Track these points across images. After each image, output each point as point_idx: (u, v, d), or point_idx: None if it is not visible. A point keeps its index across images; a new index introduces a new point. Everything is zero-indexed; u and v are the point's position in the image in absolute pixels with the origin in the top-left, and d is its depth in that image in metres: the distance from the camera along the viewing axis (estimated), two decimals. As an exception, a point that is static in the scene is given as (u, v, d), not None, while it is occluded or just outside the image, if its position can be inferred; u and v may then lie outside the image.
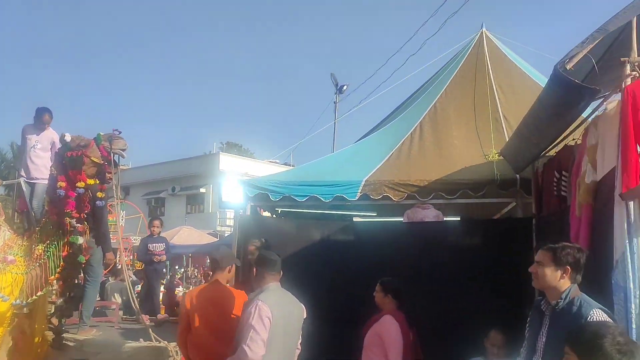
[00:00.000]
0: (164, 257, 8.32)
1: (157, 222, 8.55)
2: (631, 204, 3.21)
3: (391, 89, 14.33)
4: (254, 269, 3.97)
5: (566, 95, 3.53)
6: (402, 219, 7.04)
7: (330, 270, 6.50)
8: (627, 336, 1.99)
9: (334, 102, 20.97)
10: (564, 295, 2.92)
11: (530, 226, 6.13)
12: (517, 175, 6.40)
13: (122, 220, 20.71)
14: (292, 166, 18.52)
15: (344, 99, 21.11)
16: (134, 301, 5.35)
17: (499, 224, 6.86)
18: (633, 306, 3.07)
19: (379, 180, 6.80)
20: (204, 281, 17.33)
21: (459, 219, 7.75)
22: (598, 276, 3.50)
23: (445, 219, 7.04)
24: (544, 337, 2.94)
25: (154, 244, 8.20)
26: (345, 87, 20.95)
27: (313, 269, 6.40)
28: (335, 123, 19.25)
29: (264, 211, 8.02)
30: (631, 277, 3.14)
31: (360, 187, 6.76)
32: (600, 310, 2.81)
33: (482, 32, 8.93)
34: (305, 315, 4.05)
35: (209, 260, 4.69)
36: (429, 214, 6.77)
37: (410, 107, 8.64)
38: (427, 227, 6.66)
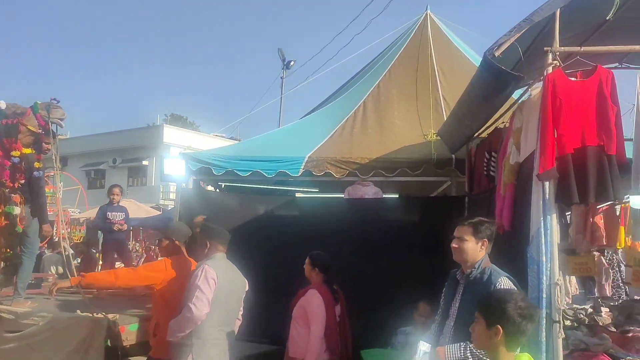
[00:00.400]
0: (124, 226, 7.99)
1: (116, 190, 8.12)
2: (547, 184, 3.48)
3: (337, 66, 14.45)
4: (202, 241, 4.07)
5: (494, 80, 3.74)
6: (343, 196, 7.22)
7: (272, 245, 6.63)
8: (529, 301, 2.23)
9: (281, 78, 20.92)
10: (477, 265, 3.18)
11: (464, 204, 6.46)
12: (453, 155, 6.71)
13: (59, 192, 20.14)
14: (239, 141, 18.42)
15: (292, 75, 21.09)
16: (71, 274, 5.28)
17: (434, 201, 7.17)
18: (544, 278, 3.36)
19: (322, 157, 6.95)
20: (145, 255, 17.15)
21: (397, 196, 8.01)
22: (518, 250, 3.78)
23: (384, 196, 7.26)
24: (458, 303, 3.20)
25: (114, 213, 7.87)
26: (292, 63, 20.94)
27: (256, 243, 6.51)
28: (282, 98, 19.25)
29: (210, 186, 8.03)
30: (544, 251, 3.42)
31: (303, 164, 6.89)
32: (506, 279, 3.10)
33: (426, 14, 9.15)
34: (247, 289, 4.19)
35: (164, 233, 4.70)
36: (369, 191, 6.98)
37: (355, 86, 8.81)
38: (367, 204, 6.88)
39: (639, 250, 10.08)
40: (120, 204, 8.29)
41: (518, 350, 2.22)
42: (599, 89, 3.51)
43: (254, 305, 6.02)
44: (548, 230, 3.45)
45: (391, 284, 6.24)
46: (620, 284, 9.27)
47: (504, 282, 3.05)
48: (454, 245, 3.26)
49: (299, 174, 6.89)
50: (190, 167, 6.86)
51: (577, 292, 7.80)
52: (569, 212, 7.38)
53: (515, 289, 2.99)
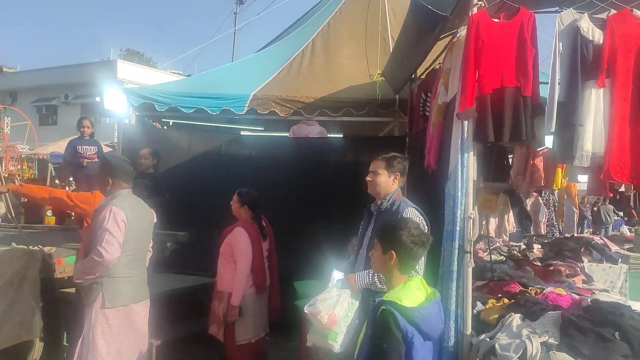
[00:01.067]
0: (95, 160, 7.21)
1: (87, 122, 7.41)
2: (466, 123, 3.61)
3: (290, 2, 14.15)
4: (103, 178, 3.90)
5: (422, 20, 3.80)
6: (288, 135, 7.27)
7: (216, 182, 6.68)
8: (422, 230, 2.39)
9: (235, 13, 20.38)
10: (388, 197, 3.34)
11: (405, 143, 6.61)
12: (397, 96, 6.80)
13: (7, 127, 19.50)
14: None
15: (245, 10, 20.54)
16: (10, 210, 5.24)
17: (376, 141, 7.29)
18: (459, 212, 3.54)
19: (267, 95, 6.95)
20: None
21: (341, 136, 8.12)
22: (441, 186, 3.95)
23: (329, 136, 7.35)
24: (370, 232, 3.37)
25: (85, 146, 7.24)
26: (245, -2, 20.38)
27: (200, 180, 6.57)
28: (234, 34, 18.80)
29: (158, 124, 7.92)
30: (459, 187, 3.59)
31: (248, 102, 6.89)
32: (413, 209, 3.28)
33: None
34: (155, 220, 4.16)
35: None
36: (314, 130, 7.05)
37: (305, 23, 8.69)
38: (311, 143, 6.96)
39: (573, 191, 10.63)
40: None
41: (413, 274, 2.40)
42: (520, 31, 3.60)
43: (197, 240, 6.20)
44: (465, 167, 3.60)
45: (332, 221, 6.43)
46: (555, 223, 9.78)
47: (411, 212, 3.23)
48: (368, 178, 3.41)
49: (244, 111, 6.90)
50: (132, 102, 6.77)
51: (515, 231, 8.17)
52: (512, 155, 7.68)
53: (422, 218, 3.18)
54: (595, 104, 3.58)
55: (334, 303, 3.11)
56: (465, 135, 3.62)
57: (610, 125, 3.60)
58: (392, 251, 2.30)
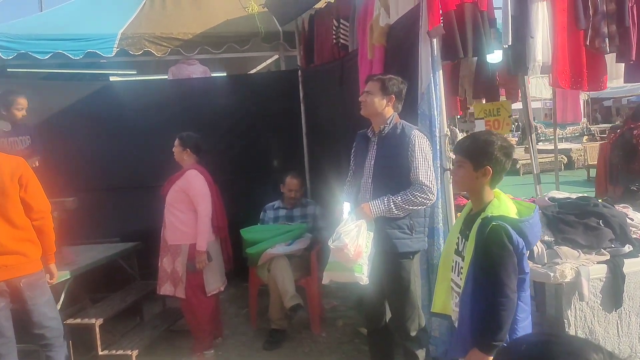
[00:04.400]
0: None
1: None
2: (434, 41, 3.57)
3: None
4: None
5: None
6: (166, 77, 6.54)
7: (93, 138, 5.80)
8: (508, 141, 2.33)
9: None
10: (388, 121, 3.20)
11: (297, 77, 6.40)
12: (280, 29, 6.49)
13: None
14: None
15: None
16: None
17: (267, 77, 6.94)
18: (437, 130, 3.54)
19: (138, 33, 6.11)
20: None
21: (224, 74, 7.58)
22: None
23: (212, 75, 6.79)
24: (372, 160, 3.22)
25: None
26: None
27: (65, 137, 5.59)
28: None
29: None
30: (434, 106, 3.59)
31: (117, 42, 5.99)
32: (418, 131, 3.21)
33: None
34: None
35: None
36: (196, 70, 6.45)
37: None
38: (196, 84, 6.36)
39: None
40: None
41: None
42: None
43: (96, 206, 5.39)
44: (437, 86, 3.59)
45: (234, 164, 6.06)
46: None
47: (418, 134, 3.15)
48: (362, 99, 3.20)
49: (113, 53, 5.99)
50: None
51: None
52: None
53: (426, 138, 3.14)
54: (542, 16, 3.80)
55: (356, 234, 2.94)
56: (435, 53, 3.59)
57: (554, 36, 3.87)
58: (488, 166, 2.20)
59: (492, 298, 2.11)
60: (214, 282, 4.30)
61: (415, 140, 3.09)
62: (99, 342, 3.98)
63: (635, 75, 4.38)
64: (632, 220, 3.52)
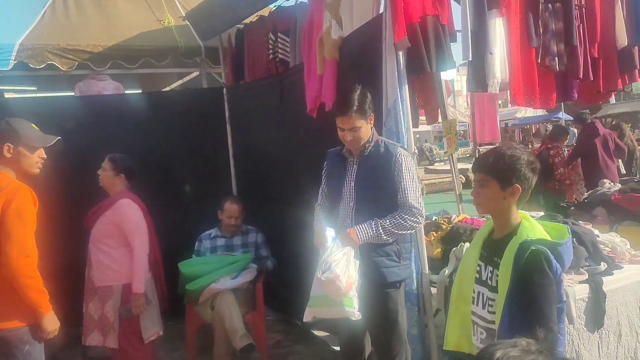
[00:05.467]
0: None
1: None
2: (400, 53, 3.39)
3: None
4: None
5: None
6: (72, 94, 5.81)
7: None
8: (532, 154, 2.13)
9: None
10: (372, 139, 2.93)
11: (221, 96, 5.97)
12: (202, 44, 6.05)
13: None
14: None
15: None
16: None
17: (189, 94, 6.37)
18: (405, 146, 3.32)
19: (39, 44, 5.39)
20: None
21: (140, 91, 6.92)
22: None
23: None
24: (353, 182, 2.92)
25: None
26: None
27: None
28: None
29: None
30: (402, 122, 3.38)
31: (14, 53, 5.23)
32: (402, 149, 2.97)
33: None
34: None
35: None
36: (108, 86, 5.80)
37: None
38: (108, 101, 5.69)
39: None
40: None
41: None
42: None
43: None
44: (404, 101, 3.40)
45: (166, 190, 5.46)
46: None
47: (403, 153, 2.91)
48: (348, 139, 2.86)
49: (10, 66, 5.22)
50: None
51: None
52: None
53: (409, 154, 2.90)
54: (499, 33, 3.76)
55: (345, 264, 2.61)
56: (402, 67, 3.40)
57: (509, 53, 3.84)
58: (517, 185, 1.98)
59: (535, 333, 1.88)
60: (152, 326, 3.72)
61: (402, 160, 2.84)
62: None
63: (567, 94, 4.48)
64: (598, 237, 3.51)
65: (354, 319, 2.65)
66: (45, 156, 2.91)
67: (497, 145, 2.70)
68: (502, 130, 25.97)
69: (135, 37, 5.94)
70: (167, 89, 7.38)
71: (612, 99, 14.39)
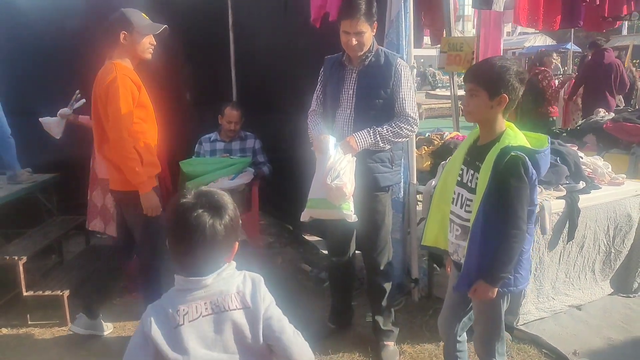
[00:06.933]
0: None
1: None
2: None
3: None
4: None
5: None
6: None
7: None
8: (521, 64, 2.22)
9: None
10: (372, 48, 2.99)
11: (225, 3, 5.88)
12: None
13: None
14: None
15: None
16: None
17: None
18: (405, 60, 3.39)
19: None
20: None
21: None
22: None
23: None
24: (353, 89, 2.98)
25: None
26: None
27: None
28: None
29: None
30: (403, 34, 3.44)
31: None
32: (401, 59, 3.04)
33: None
34: None
35: None
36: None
37: None
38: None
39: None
40: None
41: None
42: None
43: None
44: (407, 14, 3.44)
45: (166, 93, 5.50)
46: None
47: (402, 63, 2.97)
48: (353, 42, 2.89)
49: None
50: None
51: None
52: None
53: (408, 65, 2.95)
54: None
55: (350, 171, 2.77)
56: (407, -21, 3.40)
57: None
58: (505, 94, 2.09)
59: (506, 230, 2.07)
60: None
61: (401, 70, 2.92)
62: (23, 282, 3.53)
63: (573, 20, 4.49)
64: (582, 158, 3.67)
65: (350, 220, 2.83)
66: (155, 42, 3.17)
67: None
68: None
69: None
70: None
71: (625, 30, 14.19)
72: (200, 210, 1.45)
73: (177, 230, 1.47)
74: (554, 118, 7.38)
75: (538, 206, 3.10)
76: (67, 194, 4.62)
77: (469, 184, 2.23)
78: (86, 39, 4.95)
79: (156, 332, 1.42)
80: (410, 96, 2.93)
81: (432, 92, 20.79)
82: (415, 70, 3.48)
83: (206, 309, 1.47)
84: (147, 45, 3.12)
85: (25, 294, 3.55)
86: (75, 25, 5.23)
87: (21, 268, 3.52)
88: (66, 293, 3.57)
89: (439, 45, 5.51)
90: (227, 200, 1.53)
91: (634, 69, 9.39)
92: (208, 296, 1.48)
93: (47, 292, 3.58)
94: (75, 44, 4.94)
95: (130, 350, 1.45)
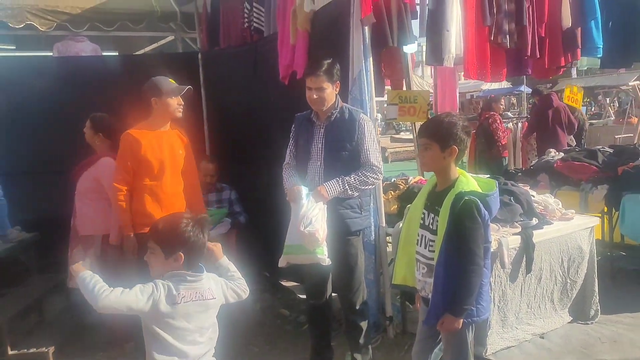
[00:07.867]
0: None
1: None
2: (366, 28, 3.73)
3: None
4: None
5: None
6: (51, 54, 5.96)
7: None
8: (466, 119, 2.54)
9: None
10: (337, 105, 3.30)
11: (196, 61, 6.20)
12: (177, 9, 6.25)
13: None
14: None
15: None
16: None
17: (165, 59, 6.54)
18: (368, 113, 3.69)
19: (19, 4, 5.54)
20: None
21: (116, 54, 7.06)
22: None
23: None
24: (321, 144, 3.28)
25: None
26: None
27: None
28: None
29: None
30: (365, 90, 3.76)
31: (-6, 12, 5.36)
32: (363, 114, 3.36)
33: None
34: None
35: None
36: (85, 48, 5.99)
37: None
38: (86, 62, 5.88)
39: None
40: None
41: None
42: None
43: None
44: (368, 72, 3.77)
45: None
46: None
47: (365, 118, 3.29)
48: (314, 97, 3.20)
49: (-12, 25, 5.36)
50: None
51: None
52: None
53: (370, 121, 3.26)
54: (456, 11, 4.14)
55: (321, 218, 3.02)
56: (367, 41, 3.75)
57: (465, 31, 4.23)
58: (454, 146, 2.39)
59: (465, 266, 2.33)
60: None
61: (364, 124, 3.23)
62: (8, 341, 3.61)
63: (521, 70, 4.91)
64: (534, 197, 4.00)
65: (324, 264, 3.08)
66: (182, 103, 3.62)
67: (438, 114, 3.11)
68: (466, 102, 26.61)
69: (112, 0, 6.10)
70: (141, 52, 7.53)
71: (574, 74, 15.07)
72: None
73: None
74: (506, 157, 7.93)
75: (496, 242, 3.41)
76: (45, 251, 4.73)
77: (431, 226, 2.50)
78: (73, 101, 5.28)
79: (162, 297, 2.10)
80: (374, 147, 3.23)
81: (397, 135, 21.41)
82: (380, 116, 3.79)
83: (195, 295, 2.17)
84: (176, 105, 3.56)
85: (10, 352, 3.62)
86: (61, 87, 5.49)
87: (3, 328, 3.60)
88: (51, 349, 3.66)
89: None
90: None
91: (583, 112, 10.06)
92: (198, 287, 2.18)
93: (33, 350, 3.65)
94: (62, 105, 5.19)
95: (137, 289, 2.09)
